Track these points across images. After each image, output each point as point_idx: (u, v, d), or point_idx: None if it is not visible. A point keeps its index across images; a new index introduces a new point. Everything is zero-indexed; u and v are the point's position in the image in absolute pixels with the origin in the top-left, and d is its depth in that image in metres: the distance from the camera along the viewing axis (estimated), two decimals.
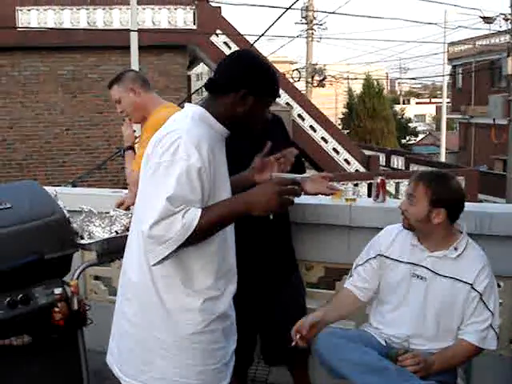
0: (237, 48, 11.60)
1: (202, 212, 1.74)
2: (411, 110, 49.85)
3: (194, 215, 1.72)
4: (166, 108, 2.90)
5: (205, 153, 1.76)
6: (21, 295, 2.38)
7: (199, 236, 1.76)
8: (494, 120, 19.85)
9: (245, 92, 1.83)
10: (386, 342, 2.38)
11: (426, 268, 2.32)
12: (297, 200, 1.87)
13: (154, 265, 1.78)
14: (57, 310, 2.40)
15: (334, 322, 2.43)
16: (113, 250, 2.68)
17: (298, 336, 2.28)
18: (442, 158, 21.47)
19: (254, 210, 1.79)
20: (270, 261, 2.63)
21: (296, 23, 21.46)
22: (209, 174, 1.78)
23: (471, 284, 2.26)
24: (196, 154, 1.74)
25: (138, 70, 9.22)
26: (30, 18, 12.97)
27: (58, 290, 2.43)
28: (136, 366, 1.93)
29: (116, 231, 2.68)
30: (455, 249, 2.31)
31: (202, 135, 1.79)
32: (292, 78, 18.31)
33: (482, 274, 2.27)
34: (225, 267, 1.93)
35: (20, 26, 12.75)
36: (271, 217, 1.81)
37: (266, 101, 1.91)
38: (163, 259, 1.76)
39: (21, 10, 12.91)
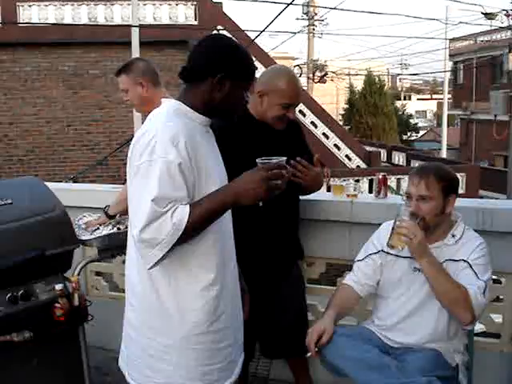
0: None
1: (191, 208, 1.71)
2: (412, 105, 49.70)
3: (182, 213, 1.70)
4: None
5: (183, 147, 1.72)
6: (22, 291, 2.37)
7: (191, 233, 1.74)
8: (495, 116, 19.85)
9: (221, 76, 1.79)
10: (387, 338, 2.37)
11: None
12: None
13: (150, 268, 1.76)
14: (58, 305, 2.40)
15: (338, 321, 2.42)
16: (114, 245, 2.68)
17: (310, 353, 2.27)
18: (443, 154, 21.40)
19: (242, 200, 1.74)
20: (271, 254, 2.62)
21: (297, 19, 21.50)
22: (190, 167, 1.75)
23: (465, 260, 2.26)
24: (174, 150, 1.71)
25: None
26: (31, 14, 12.95)
27: (58, 286, 2.43)
28: (142, 372, 1.92)
29: (118, 227, 2.69)
30: (453, 236, 2.33)
31: (179, 129, 1.75)
32: None
33: (476, 249, 2.27)
34: (225, 259, 1.91)
35: (21, 21, 12.72)
36: (260, 204, 1.78)
37: (244, 83, 1.86)
38: (158, 261, 1.73)
39: (22, 6, 12.89)
